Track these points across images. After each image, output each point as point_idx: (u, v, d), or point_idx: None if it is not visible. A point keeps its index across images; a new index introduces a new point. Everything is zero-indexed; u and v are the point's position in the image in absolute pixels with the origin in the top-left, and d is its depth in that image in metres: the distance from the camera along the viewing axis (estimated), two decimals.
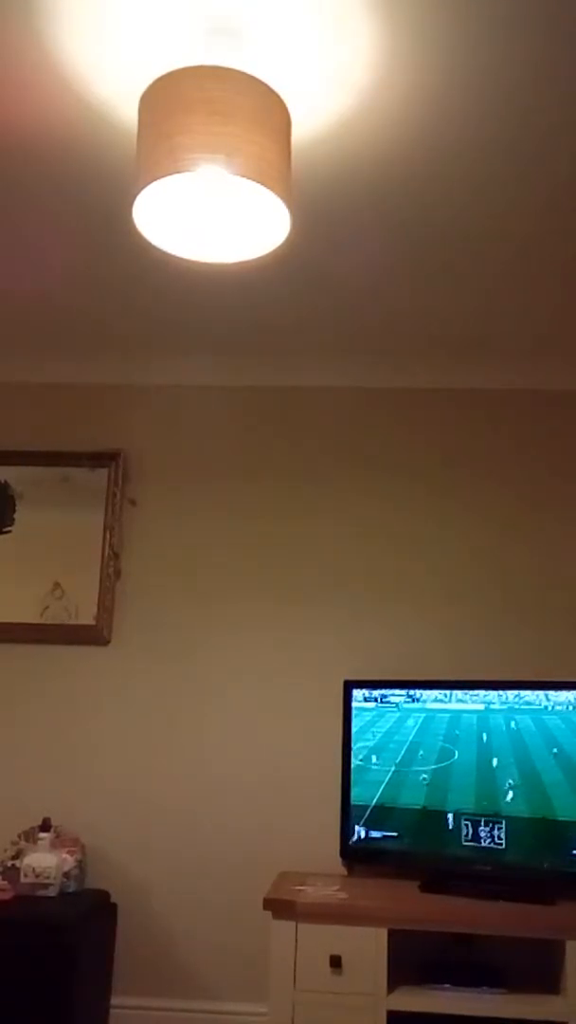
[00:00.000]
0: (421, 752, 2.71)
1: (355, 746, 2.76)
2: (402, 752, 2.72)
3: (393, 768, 2.71)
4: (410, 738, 2.73)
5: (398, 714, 2.76)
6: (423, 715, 2.74)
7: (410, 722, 2.74)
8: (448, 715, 2.72)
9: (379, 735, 2.75)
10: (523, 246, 2.40)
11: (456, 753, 2.68)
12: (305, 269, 2.54)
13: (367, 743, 2.75)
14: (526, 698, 2.66)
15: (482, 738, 2.67)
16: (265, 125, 1.56)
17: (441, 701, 2.74)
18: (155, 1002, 2.78)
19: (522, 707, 2.65)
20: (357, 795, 2.72)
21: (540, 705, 2.63)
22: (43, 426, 3.23)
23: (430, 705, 2.75)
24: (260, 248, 1.78)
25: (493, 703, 2.69)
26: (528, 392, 3.18)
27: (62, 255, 2.51)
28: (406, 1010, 2.30)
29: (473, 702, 2.71)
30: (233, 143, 1.50)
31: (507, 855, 2.55)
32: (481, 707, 2.70)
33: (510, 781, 2.59)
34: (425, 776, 2.68)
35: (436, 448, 3.16)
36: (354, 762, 2.74)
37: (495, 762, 2.63)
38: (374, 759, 2.73)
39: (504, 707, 2.67)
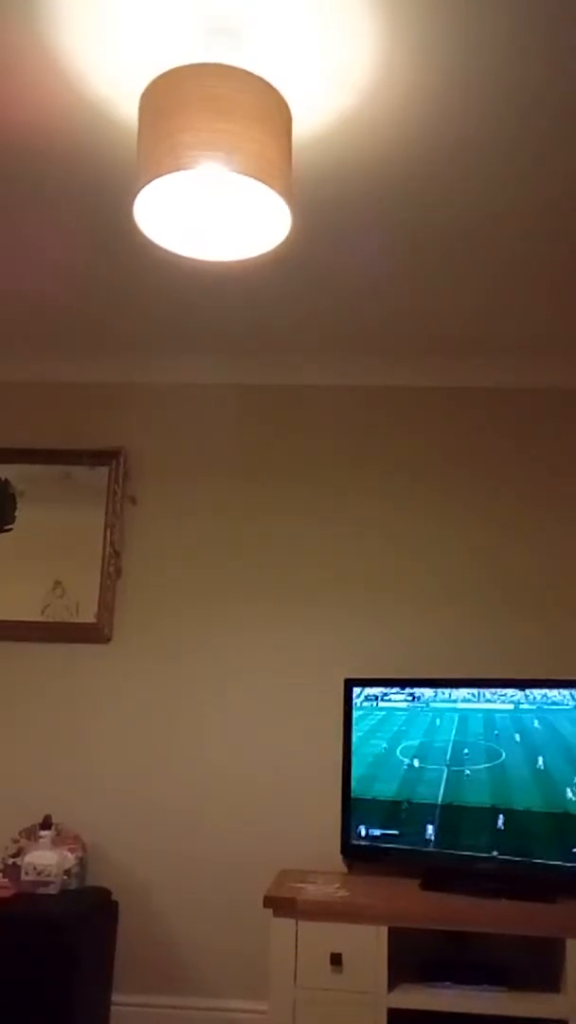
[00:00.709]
0: (430, 750, 2.71)
1: (358, 737, 2.76)
2: (412, 751, 2.72)
3: (399, 766, 2.72)
4: (419, 737, 2.73)
5: (406, 714, 2.77)
6: (434, 713, 2.75)
7: (424, 719, 2.75)
8: (455, 713, 2.73)
9: (387, 734, 2.76)
10: (523, 246, 2.41)
11: (440, 749, 2.69)
12: (305, 268, 2.55)
13: (378, 741, 2.76)
14: (532, 696, 2.67)
15: (466, 730, 2.68)
16: (266, 123, 1.56)
17: (445, 700, 2.75)
18: (156, 999, 2.78)
19: (550, 706, 2.65)
20: (362, 791, 2.72)
21: (567, 704, 2.63)
22: (44, 424, 3.24)
23: (435, 704, 2.75)
24: (261, 246, 1.79)
25: (495, 701, 2.69)
26: (528, 392, 3.19)
27: (62, 255, 2.52)
28: (407, 1008, 2.30)
29: (477, 701, 2.72)
30: (234, 140, 1.51)
31: (508, 852, 2.55)
32: (485, 705, 2.70)
33: None
34: (432, 772, 2.68)
35: (436, 447, 3.16)
36: (355, 758, 2.75)
37: (502, 756, 2.64)
38: (384, 751, 2.74)
39: (510, 705, 2.68)
